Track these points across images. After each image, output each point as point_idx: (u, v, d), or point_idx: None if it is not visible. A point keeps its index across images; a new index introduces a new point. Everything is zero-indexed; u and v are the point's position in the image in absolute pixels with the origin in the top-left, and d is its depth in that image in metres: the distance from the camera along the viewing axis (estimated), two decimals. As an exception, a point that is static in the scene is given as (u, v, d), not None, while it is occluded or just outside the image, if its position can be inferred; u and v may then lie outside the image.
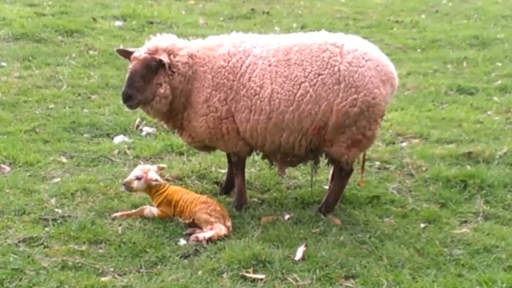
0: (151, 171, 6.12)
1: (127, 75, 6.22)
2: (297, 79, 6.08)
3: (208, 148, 6.68)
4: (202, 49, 6.39)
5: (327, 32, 6.45)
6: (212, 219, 5.97)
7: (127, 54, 6.36)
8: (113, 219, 6.13)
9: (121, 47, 7.56)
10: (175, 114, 6.42)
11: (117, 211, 6.25)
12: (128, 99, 6.20)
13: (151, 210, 6.17)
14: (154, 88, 6.21)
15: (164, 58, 6.15)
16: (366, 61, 6.11)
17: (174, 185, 6.47)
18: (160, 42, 6.29)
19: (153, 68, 6.17)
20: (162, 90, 6.21)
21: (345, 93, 6.03)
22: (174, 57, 6.25)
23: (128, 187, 6.11)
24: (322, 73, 6.06)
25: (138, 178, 6.08)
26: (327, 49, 6.13)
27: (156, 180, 6.08)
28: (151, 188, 6.14)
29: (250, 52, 6.25)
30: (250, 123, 6.19)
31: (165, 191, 6.15)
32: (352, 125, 6.13)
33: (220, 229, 5.93)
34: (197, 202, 6.08)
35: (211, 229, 5.92)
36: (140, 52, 6.22)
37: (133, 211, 6.22)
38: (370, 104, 6.08)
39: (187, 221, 6.08)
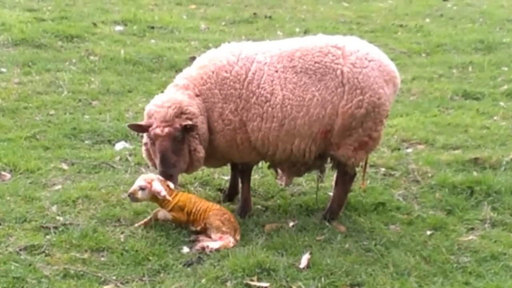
0: (155, 181, 5.97)
1: (159, 154, 6.06)
2: (305, 85, 6.02)
3: (219, 163, 6.60)
4: (196, 70, 6.27)
5: (324, 35, 6.40)
6: (224, 228, 5.88)
7: (140, 129, 6.27)
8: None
9: (122, 52, 7.45)
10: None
11: (119, 219, 6.19)
12: (170, 179, 6.08)
13: (165, 213, 6.07)
14: (187, 156, 6.11)
15: (187, 122, 6.00)
16: (369, 61, 6.07)
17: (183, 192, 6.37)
18: (163, 108, 6.07)
19: (179, 138, 6.03)
20: (200, 154, 6.13)
21: (350, 95, 5.99)
22: (186, 112, 6.07)
23: (133, 197, 6.00)
24: (324, 78, 6.00)
25: (142, 188, 5.96)
26: (329, 51, 6.08)
27: (160, 193, 5.93)
28: (157, 197, 6.03)
29: (254, 59, 6.16)
30: (261, 131, 6.09)
31: (175, 197, 6.04)
32: (358, 127, 6.08)
33: (228, 241, 5.84)
34: (212, 209, 6.00)
35: (220, 238, 5.85)
36: (161, 128, 6.00)
37: (148, 218, 6.13)
38: (375, 105, 6.03)
39: (198, 228, 5.99)
